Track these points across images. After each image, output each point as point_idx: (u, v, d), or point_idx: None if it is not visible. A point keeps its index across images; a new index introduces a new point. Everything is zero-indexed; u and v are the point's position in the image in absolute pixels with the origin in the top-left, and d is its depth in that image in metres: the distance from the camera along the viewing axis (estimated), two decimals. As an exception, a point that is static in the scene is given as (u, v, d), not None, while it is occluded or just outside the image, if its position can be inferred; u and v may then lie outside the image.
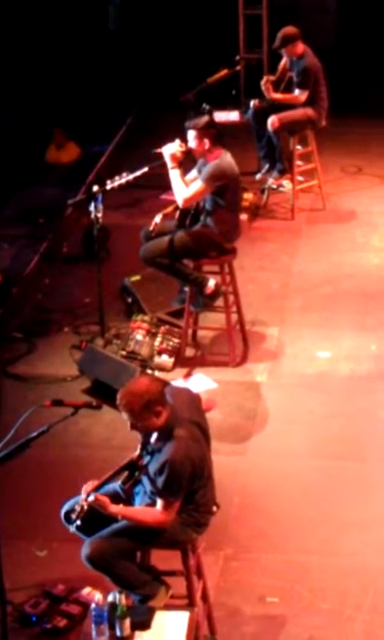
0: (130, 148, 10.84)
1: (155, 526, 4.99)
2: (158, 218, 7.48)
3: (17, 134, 11.33)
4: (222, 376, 7.47)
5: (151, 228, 7.48)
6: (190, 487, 4.99)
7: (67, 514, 5.09)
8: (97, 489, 4.99)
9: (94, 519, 5.03)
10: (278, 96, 9.61)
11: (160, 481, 4.91)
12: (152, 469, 4.99)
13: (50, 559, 5.90)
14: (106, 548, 4.97)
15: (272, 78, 9.67)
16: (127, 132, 11.51)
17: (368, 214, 9.96)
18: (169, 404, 4.99)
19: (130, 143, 11.11)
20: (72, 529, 4.98)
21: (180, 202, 7.41)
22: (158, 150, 7.49)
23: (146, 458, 5.06)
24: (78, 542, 5.11)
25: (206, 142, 7.31)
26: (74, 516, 4.96)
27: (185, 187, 7.36)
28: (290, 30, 9.51)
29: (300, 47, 9.48)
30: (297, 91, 9.52)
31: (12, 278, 8.59)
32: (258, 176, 10.05)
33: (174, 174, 7.38)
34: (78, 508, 4.96)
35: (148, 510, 5.04)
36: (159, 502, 4.97)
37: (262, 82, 9.59)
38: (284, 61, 9.64)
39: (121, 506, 5.02)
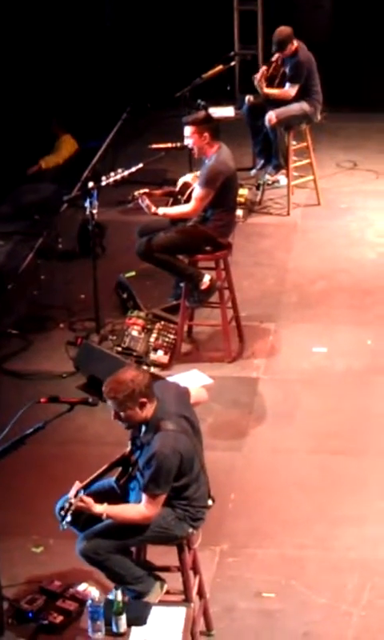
0: (125, 144, 10.83)
1: (141, 522, 4.97)
2: (137, 192, 7.46)
3: (12, 130, 11.30)
4: (217, 372, 7.45)
5: (130, 197, 7.47)
6: (179, 481, 4.98)
7: (61, 511, 5.08)
8: (85, 487, 4.99)
9: (87, 515, 5.02)
10: (270, 91, 9.60)
11: (147, 474, 4.90)
12: (141, 463, 4.98)
13: (46, 555, 5.89)
14: (101, 543, 4.97)
15: (266, 71, 9.61)
16: (122, 128, 11.49)
17: (363, 209, 9.97)
18: (156, 398, 4.98)
19: (125, 139, 11.10)
20: (64, 526, 4.96)
21: (191, 216, 7.40)
22: (154, 146, 7.49)
23: (136, 453, 5.06)
24: (73, 538, 5.10)
25: (207, 136, 7.31)
26: (63, 512, 4.95)
27: (184, 205, 7.35)
28: (284, 31, 9.51)
29: (293, 45, 9.48)
30: (287, 85, 9.52)
31: (7, 274, 8.59)
32: (254, 172, 10.05)
33: (164, 211, 7.39)
34: (66, 505, 4.95)
35: (132, 506, 5.01)
36: (144, 496, 4.94)
37: (257, 77, 9.57)
38: (277, 55, 9.62)
39: (105, 505, 4.98)
